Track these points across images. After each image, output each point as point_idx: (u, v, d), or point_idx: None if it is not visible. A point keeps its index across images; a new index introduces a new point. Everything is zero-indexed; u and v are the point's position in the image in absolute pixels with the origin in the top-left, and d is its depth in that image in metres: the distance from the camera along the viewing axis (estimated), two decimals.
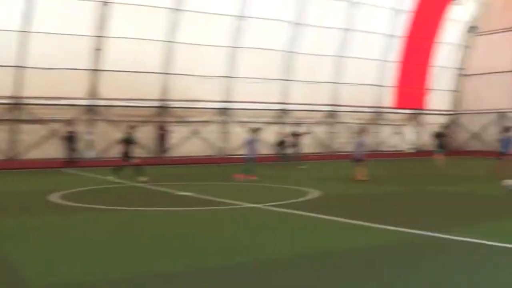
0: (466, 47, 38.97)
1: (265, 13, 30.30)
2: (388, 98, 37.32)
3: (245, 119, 29.83)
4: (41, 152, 25.83)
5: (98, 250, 7.56)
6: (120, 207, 11.95)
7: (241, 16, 29.75)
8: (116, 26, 26.37)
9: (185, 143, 29.60)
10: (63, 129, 25.72)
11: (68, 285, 5.83)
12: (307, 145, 31.78)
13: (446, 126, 28.51)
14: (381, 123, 37.21)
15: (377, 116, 36.90)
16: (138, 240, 8.31)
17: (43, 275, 6.24)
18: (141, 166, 18.00)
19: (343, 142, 34.60)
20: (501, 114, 36.67)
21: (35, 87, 25.35)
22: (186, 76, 28.99)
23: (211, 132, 30.58)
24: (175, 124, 29.36)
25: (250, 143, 19.10)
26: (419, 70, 37.92)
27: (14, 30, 24.61)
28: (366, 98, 35.98)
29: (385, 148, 37.41)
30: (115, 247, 7.82)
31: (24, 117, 25.79)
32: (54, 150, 25.80)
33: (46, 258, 7.14)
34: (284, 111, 32.92)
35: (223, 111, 30.79)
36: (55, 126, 26.12)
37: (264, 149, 27.53)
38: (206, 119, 30.24)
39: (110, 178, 17.87)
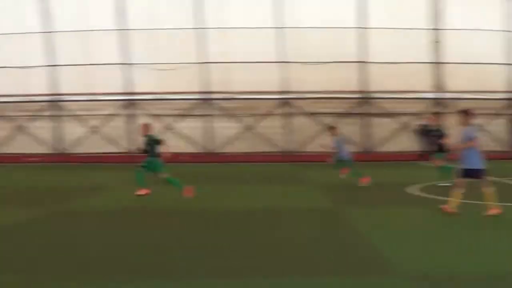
0: None
1: None
2: None
3: None
4: (394, 145, 26.24)
5: (460, 245, 7.58)
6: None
7: None
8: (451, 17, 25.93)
9: None
10: (414, 122, 25.08)
11: (428, 275, 6.01)
12: None
13: None
14: None
15: None
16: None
17: (406, 261, 6.66)
18: None
19: None
20: None
21: (379, 82, 25.97)
22: None
23: None
24: None
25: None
26: None
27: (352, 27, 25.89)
28: None
29: None
30: (478, 245, 7.59)
31: (373, 110, 26.36)
32: (407, 143, 25.46)
33: (409, 246, 7.52)
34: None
35: None
36: (405, 119, 26.19)
37: None
38: None
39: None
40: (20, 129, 27.55)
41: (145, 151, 12.57)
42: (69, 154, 27.12)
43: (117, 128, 27.16)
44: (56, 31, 26.58)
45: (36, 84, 27.01)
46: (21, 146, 26.97)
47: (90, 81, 26.76)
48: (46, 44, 26.82)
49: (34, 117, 27.28)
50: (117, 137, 27.02)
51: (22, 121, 27.36)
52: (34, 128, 27.21)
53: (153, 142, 12.52)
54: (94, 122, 27.01)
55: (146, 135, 12.74)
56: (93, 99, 27.13)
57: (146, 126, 13.03)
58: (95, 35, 26.24)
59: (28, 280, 5.90)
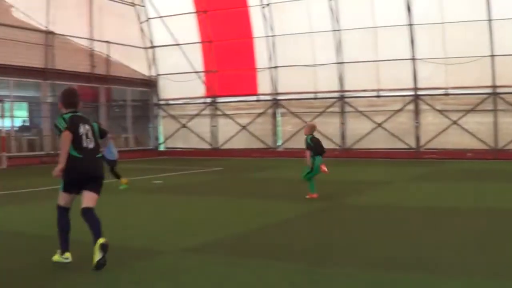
0: None
1: None
2: None
3: None
4: None
5: None
6: None
7: None
8: None
9: None
10: None
11: None
12: None
13: None
14: None
15: None
16: None
17: None
18: None
19: None
20: None
21: None
22: None
23: None
24: None
25: None
26: None
27: None
28: None
29: None
30: None
31: None
32: None
33: None
34: None
35: None
36: None
37: None
38: None
39: None
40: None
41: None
42: (353, 150, 27.81)
43: (402, 123, 27.15)
44: (343, 29, 27.30)
45: (324, 82, 28.04)
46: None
47: (376, 77, 27.04)
48: (334, 42, 27.69)
49: (321, 114, 28.33)
50: (402, 133, 27.00)
51: (309, 117, 28.58)
52: (320, 124, 28.24)
53: (307, 143, 12.06)
54: (379, 118, 27.28)
55: (307, 135, 12.24)
56: (379, 95, 27.42)
57: (310, 127, 12.51)
58: (383, 31, 26.37)
59: (308, 268, 6.19)
